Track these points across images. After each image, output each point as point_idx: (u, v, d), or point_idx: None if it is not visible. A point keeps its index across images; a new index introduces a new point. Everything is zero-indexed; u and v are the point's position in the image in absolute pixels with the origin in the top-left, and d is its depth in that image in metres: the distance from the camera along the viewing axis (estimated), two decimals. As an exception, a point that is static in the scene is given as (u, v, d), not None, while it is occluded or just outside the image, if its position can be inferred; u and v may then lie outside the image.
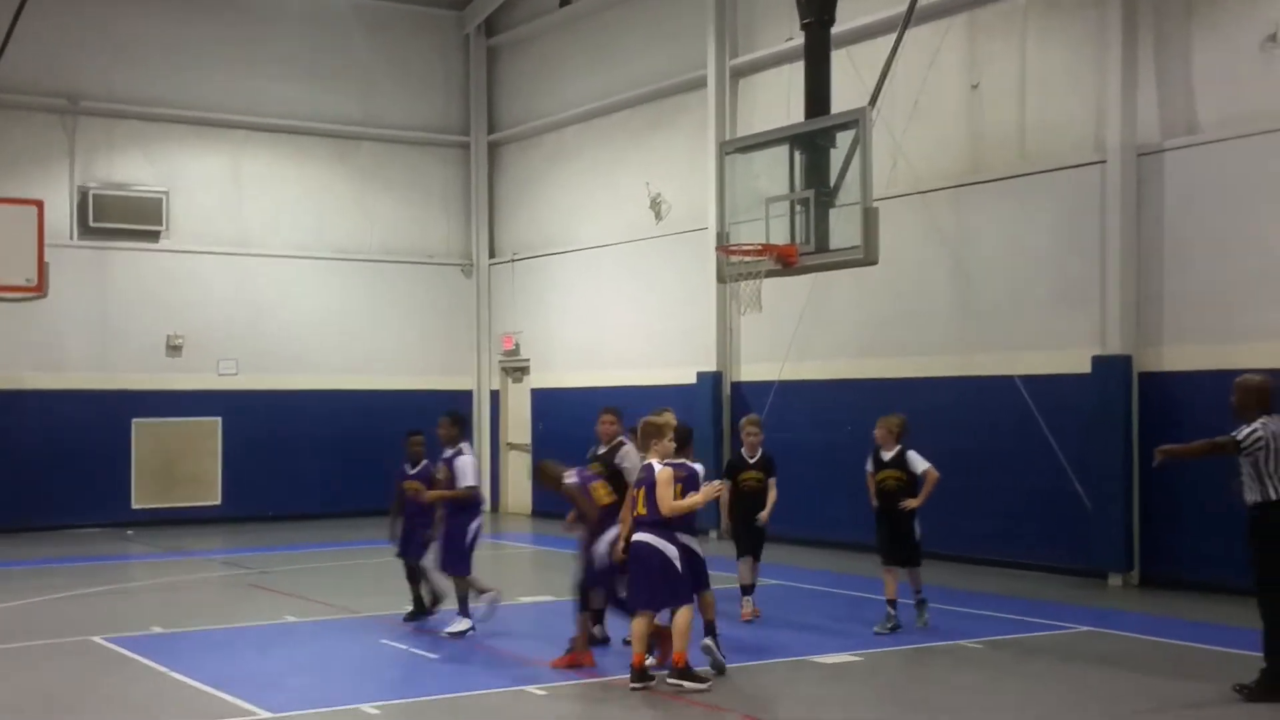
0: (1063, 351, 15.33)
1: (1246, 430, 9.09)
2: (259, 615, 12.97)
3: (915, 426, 16.81)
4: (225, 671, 10.29)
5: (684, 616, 9.37)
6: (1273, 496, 9.06)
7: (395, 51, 24.69)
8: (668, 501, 9.41)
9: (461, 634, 11.52)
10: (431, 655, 11.02)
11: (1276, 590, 9.16)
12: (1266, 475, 9.04)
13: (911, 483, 12.04)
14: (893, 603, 11.89)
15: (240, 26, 23.26)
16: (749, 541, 12.59)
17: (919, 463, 12.04)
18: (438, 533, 11.77)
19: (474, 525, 11.72)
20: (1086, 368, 14.99)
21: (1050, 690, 9.74)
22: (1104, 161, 14.83)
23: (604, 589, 10.30)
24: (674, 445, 9.68)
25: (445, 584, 12.03)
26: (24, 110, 21.59)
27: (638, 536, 9.52)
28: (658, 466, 9.53)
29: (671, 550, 9.42)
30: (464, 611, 11.67)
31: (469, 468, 11.76)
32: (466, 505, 11.73)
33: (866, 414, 17.54)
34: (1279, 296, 13.60)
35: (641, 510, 9.48)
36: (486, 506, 14.37)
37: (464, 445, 11.92)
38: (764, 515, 12.41)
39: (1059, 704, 9.31)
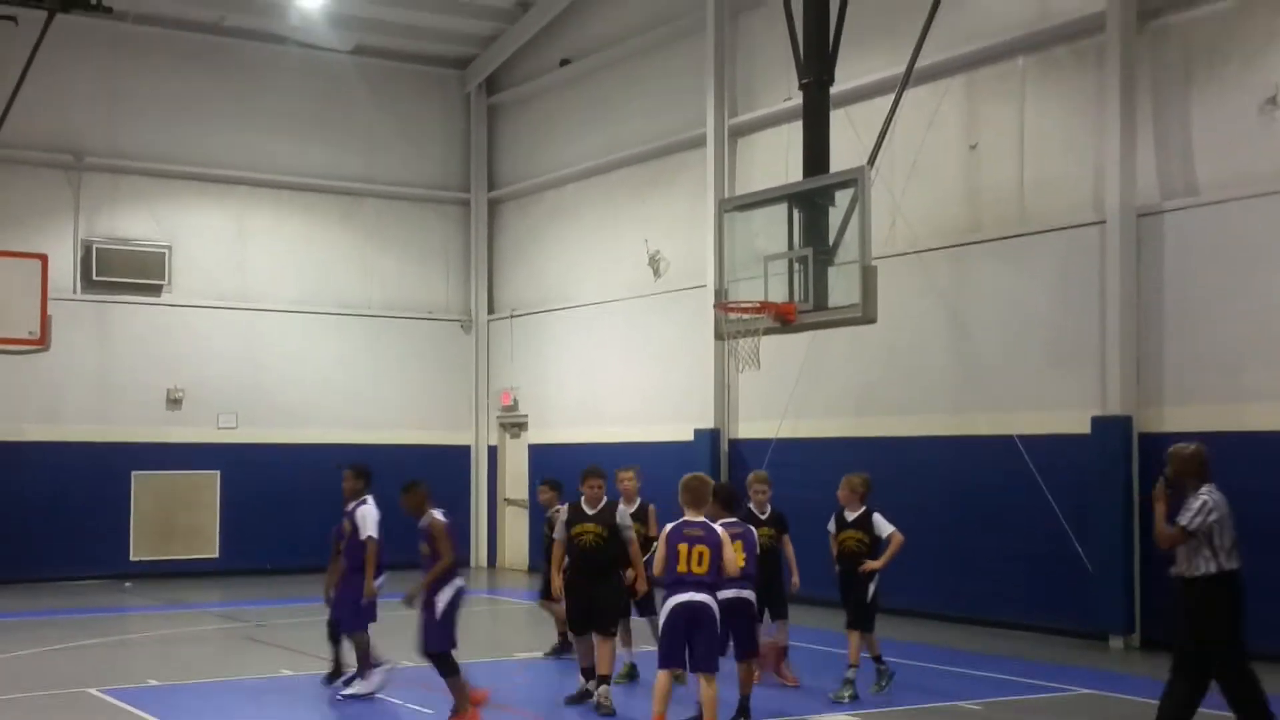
0: (1062, 411, 15.33)
1: (1194, 509, 8.86)
2: (255, 669, 12.91)
3: (914, 485, 16.94)
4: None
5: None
6: (1225, 569, 8.85)
7: (397, 109, 24.88)
8: (734, 563, 9.41)
9: (362, 696, 11.23)
10: (427, 711, 10.94)
11: (1237, 659, 8.96)
12: (1220, 549, 8.83)
13: (874, 545, 11.75)
14: (853, 667, 11.55)
15: (243, 84, 23.46)
16: (774, 603, 12.25)
17: (884, 526, 11.73)
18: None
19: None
20: (1086, 428, 14.99)
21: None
22: (1103, 222, 14.91)
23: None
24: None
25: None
26: (29, 166, 21.73)
27: (697, 597, 9.22)
28: (718, 527, 9.49)
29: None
30: (363, 673, 11.42)
31: (370, 518, 11.54)
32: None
33: (865, 473, 17.63)
34: None
35: (699, 569, 9.25)
36: (478, 562, 14.25)
37: (368, 497, 11.76)
38: (795, 580, 12.41)
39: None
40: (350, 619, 11.47)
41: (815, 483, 17.83)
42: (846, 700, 11.22)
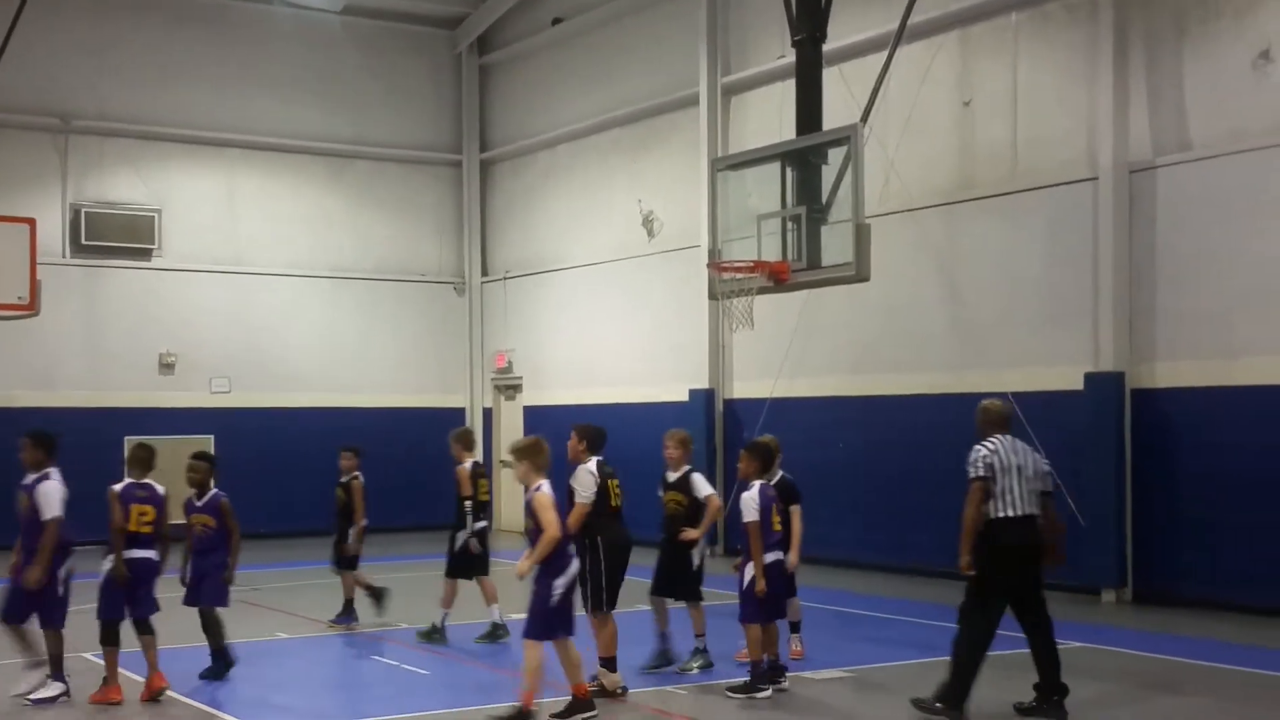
0: (1055, 368, 15.34)
1: (971, 459, 9.14)
2: (250, 632, 12.89)
3: (909, 443, 16.97)
4: (216, 688, 10.25)
5: None
6: (998, 514, 9.10)
7: (388, 70, 24.73)
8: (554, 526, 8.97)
9: (47, 700, 9.81)
10: (423, 671, 10.98)
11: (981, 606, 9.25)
12: (994, 495, 9.07)
13: (692, 508, 10.62)
14: (664, 635, 10.70)
15: (232, 46, 23.30)
16: (679, 583, 10.96)
17: (703, 487, 10.63)
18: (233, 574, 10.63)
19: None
20: (1079, 384, 15.00)
21: (1043, 705, 9.71)
22: (1096, 178, 14.88)
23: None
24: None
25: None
26: (16, 129, 21.60)
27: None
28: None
29: None
30: (57, 674, 9.94)
31: (53, 496, 10.02)
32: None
33: (859, 431, 17.70)
34: (1272, 312, 13.62)
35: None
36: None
37: (50, 470, 10.23)
38: (793, 559, 10.55)
39: (1052, 719, 9.30)
40: (11, 610, 9.99)
41: (811, 442, 17.91)
42: (696, 670, 10.57)
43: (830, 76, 15.44)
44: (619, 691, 9.74)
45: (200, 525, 10.58)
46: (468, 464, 12.63)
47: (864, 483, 17.61)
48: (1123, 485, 14.67)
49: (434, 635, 12.29)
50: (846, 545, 17.64)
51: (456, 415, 24.68)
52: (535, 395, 23.97)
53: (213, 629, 10.53)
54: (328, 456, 22.99)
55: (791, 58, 15.68)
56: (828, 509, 17.61)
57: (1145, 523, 14.60)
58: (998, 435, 9.29)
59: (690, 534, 10.53)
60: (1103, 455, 14.76)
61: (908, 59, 16.21)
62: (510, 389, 24.79)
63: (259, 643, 12.47)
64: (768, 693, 9.72)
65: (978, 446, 9.21)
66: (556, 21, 23.25)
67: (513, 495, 24.24)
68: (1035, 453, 9.47)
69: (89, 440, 21.46)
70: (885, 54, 15.42)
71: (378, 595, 13.30)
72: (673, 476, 10.74)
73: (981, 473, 9.07)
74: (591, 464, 10.05)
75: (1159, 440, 14.49)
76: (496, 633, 12.17)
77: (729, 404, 19.85)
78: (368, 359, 24.15)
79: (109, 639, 9.85)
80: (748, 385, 19.48)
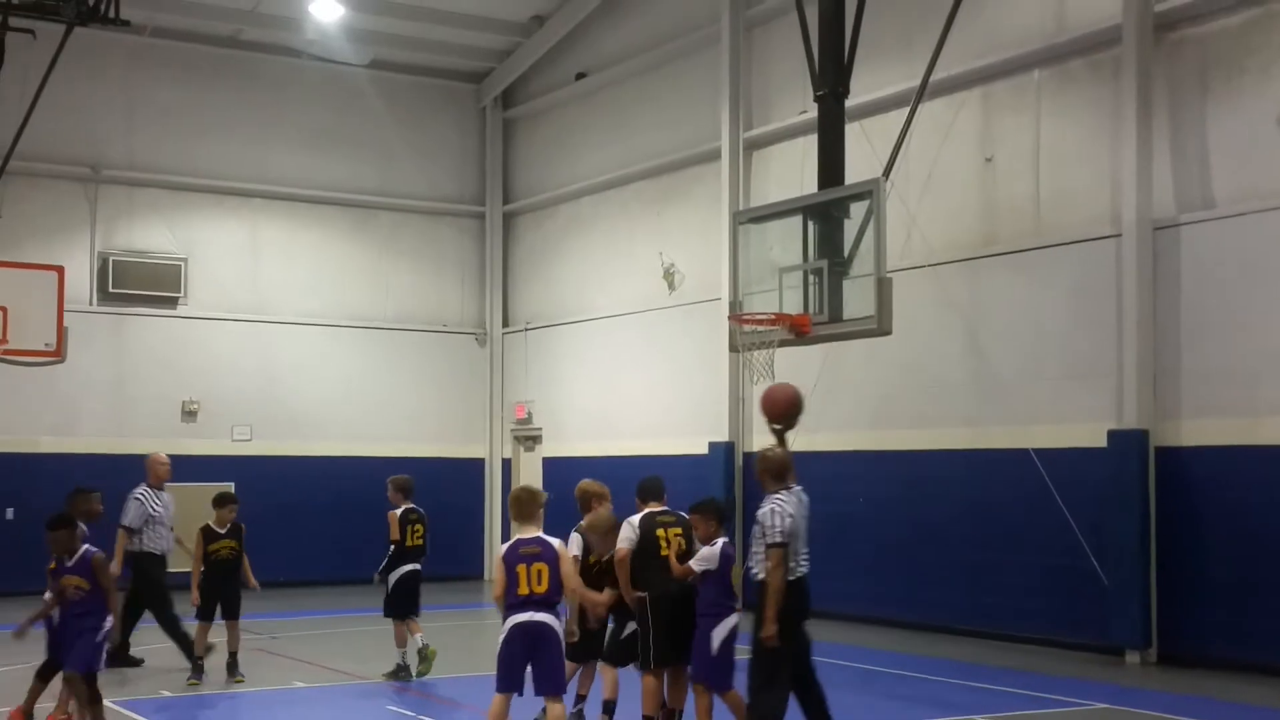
0: (1078, 425, 15.26)
1: (768, 520, 8.68)
2: (267, 680, 12.90)
3: (930, 497, 16.88)
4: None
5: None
6: (795, 576, 8.69)
7: (413, 123, 24.94)
8: (573, 578, 9.01)
9: None
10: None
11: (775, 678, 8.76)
12: (791, 555, 8.65)
13: None
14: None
15: (259, 97, 23.54)
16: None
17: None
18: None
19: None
20: (1102, 442, 14.91)
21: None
22: (1119, 235, 14.84)
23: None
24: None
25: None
26: (47, 178, 21.81)
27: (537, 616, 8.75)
28: (553, 541, 8.92)
29: None
30: None
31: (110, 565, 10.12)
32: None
33: (879, 486, 17.62)
34: (1295, 371, 13.54)
35: (539, 588, 8.72)
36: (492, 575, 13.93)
37: (86, 548, 10.37)
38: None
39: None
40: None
41: (831, 496, 17.82)
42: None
43: (852, 132, 15.46)
44: None
45: (73, 587, 9.89)
46: (399, 510, 13.31)
47: (883, 537, 17.50)
48: (1147, 544, 14.53)
49: (400, 674, 12.81)
50: (864, 600, 17.53)
51: (476, 466, 24.69)
52: (555, 446, 23.95)
53: (81, 697, 9.70)
54: (347, 505, 23.24)
55: (813, 113, 15.72)
56: (846, 563, 17.52)
57: (1170, 583, 14.45)
58: (784, 489, 8.86)
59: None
60: (1126, 514, 14.64)
61: (930, 115, 16.27)
62: (530, 440, 24.78)
63: (277, 691, 12.45)
64: None
65: (774, 505, 8.71)
66: (580, 76, 23.44)
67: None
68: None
69: (112, 486, 21.46)
70: (907, 110, 15.47)
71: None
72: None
73: (780, 539, 8.61)
74: (635, 517, 9.78)
75: (1183, 499, 14.37)
76: (399, 673, 12.80)
77: (749, 457, 19.78)
78: (389, 408, 24.19)
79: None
80: (767, 438, 19.33)
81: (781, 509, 8.71)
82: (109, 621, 9.65)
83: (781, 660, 8.72)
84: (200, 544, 13.00)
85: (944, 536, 16.70)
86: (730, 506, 10.17)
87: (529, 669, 8.65)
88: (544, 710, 8.80)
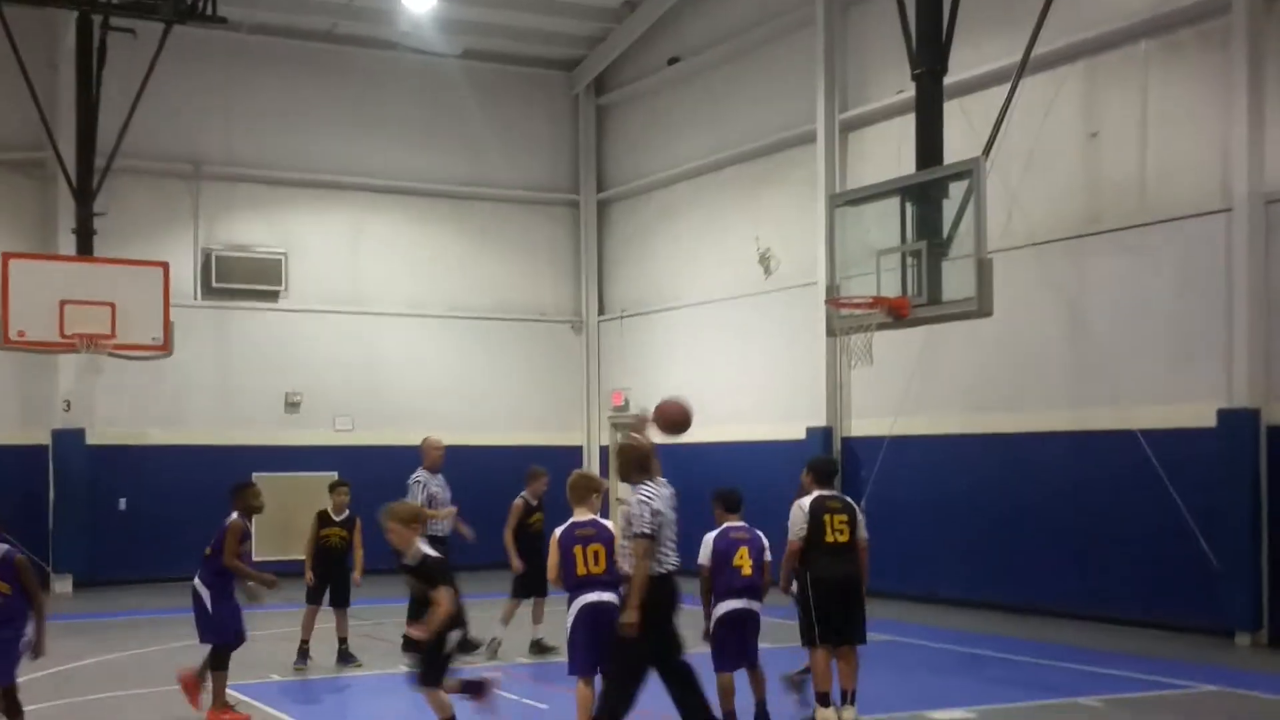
0: (1186, 405, 14.94)
1: (636, 510, 8.57)
2: (374, 665, 13.07)
3: (1031, 481, 16.64)
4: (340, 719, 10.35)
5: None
6: (657, 571, 8.52)
7: (506, 112, 25.06)
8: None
9: None
10: (541, 705, 10.98)
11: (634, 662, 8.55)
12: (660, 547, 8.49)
13: None
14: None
15: (355, 90, 23.80)
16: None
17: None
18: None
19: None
20: (1212, 421, 14.59)
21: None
22: (1230, 209, 14.49)
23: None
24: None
25: None
26: (151, 175, 22.23)
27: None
28: (607, 523, 9.23)
29: None
30: None
31: None
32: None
33: (979, 469, 17.39)
34: None
35: (596, 569, 9.00)
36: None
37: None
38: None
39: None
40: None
41: (931, 480, 17.68)
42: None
43: (951, 110, 15.29)
44: None
45: None
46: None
47: (983, 521, 17.29)
48: (1258, 525, 14.21)
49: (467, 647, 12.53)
50: (966, 584, 17.34)
51: (574, 453, 24.78)
52: (653, 433, 23.90)
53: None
54: (450, 494, 23.37)
55: (910, 92, 15.56)
56: (947, 547, 17.33)
57: (1282, 564, 14.12)
58: (650, 479, 8.76)
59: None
60: (1237, 494, 14.32)
61: (1031, 90, 15.98)
62: (628, 427, 24.77)
63: (382, 676, 12.61)
64: None
65: (642, 496, 8.62)
66: (673, 61, 23.38)
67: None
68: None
69: (219, 477, 21.90)
70: (1008, 86, 15.24)
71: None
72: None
73: (647, 530, 8.51)
74: (806, 499, 9.99)
75: (1297, 478, 14.02)
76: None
77: (847, 442, 19.65)
78: (488, 397, 24.36)
79: None
80: (866, 423, 19.28)
81: (650, 500, 8.64)
82: (29, 630, 8.73)
83: (641, 654, 8.58)
84: (315, 528, 13.22)
85: (1047, 519, 16.45)
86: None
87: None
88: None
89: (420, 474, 14.40)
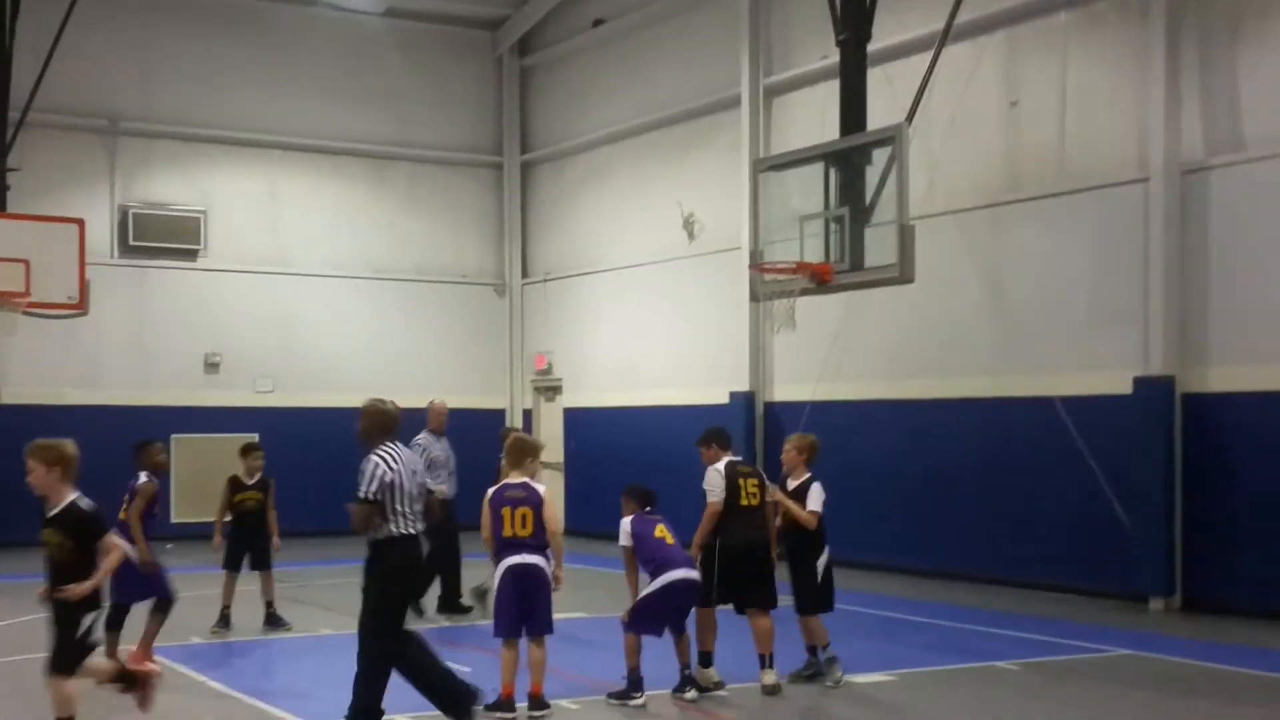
0: (1103, 372, 15.18)
1: (367, 471, 8.35)
2: (295, 628, 12.97)
3: (950, 448, 16.84)
4: (262, 682, 10.29)
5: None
6: (395, 532, 8.38)
7: (429, 72, 24.81)
8: (555, 521, 9.29)
9: None
10: (464, 669, 10.94)
11: (389, 635, 8.43)
12: (393, 511, 8.34)
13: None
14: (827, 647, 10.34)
15: (275, 48, 23.44)
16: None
17: (815, 500, 10.23)
18: None
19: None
20: (1128, 389, 14.83)
21: (1086, 712, 9.62)
22: (1147, 179, 14.69)
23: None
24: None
25: None
26: (65, 130, 21.76)
27: (529, 559, 9.08)
28: (538, 486, 9.26)
29: None
30: None
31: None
32: None
33: (899, 435, 17.57)
34: (1324, 316, 13.43)
35: (523, 531, 9.04)
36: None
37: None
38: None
39: (1098, 726, 9.18)
40: None
41: (852, 446, 17.81)
42: (840, 679, 10.17)
43: (874, 77, 15.36)
44: (712, 686, 9.85)
45: None
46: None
47: (903, 486, 17.48)
48: (1172, 491, 14.49)
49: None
50: (884, 549, 17.53)
51: (497, 416, 24.70)
52: (575, 397, 23.96)
53: None
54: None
55: (835, 58, 15.59)
56: (864, 512, 17.50)
57: (1195, 530, 14.41)
58: (388, 443, 8.53)
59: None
60: (1152, 461, 14.58)
61: (953, 59, 16.06)
62: (550, 390, 24.78)
63: (305, 638, 12.55)
64: (640, 700, 9.46)
65: (376, 459, 8.39)
66: (598, 23, 23.24)
67: (551, 496, 24.23)
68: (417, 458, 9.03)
69: (135, 438, 21.58)
70: (930, 54, 15.31)
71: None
72: (794, 483, 10.35)
73: (375, 494, 8.29)
74: (720, 463, 10.11)
75: (1211, 446, 14.30)
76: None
77: (769, 407, 19.77)
78: (409, 359, 24.20)
79: None
80: (788, 388, 19.40)
81: (383, 464, 8.40)
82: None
83: (394, 619, 8.48)
84: (227, 494, 13.05)
85: (965, 485, 16.67)
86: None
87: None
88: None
89: (423, 436, 14.19)
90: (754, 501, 10.09)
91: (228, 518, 13.04)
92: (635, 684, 9.52)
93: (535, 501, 9.07)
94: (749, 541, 9.99)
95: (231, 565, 12.96)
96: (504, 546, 9.04)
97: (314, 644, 12.41)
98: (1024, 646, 12.11)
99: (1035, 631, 12.91)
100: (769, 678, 9.94)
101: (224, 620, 12.78)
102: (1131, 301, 14.95)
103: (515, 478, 9.22)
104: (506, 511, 9.04)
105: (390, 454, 8.48)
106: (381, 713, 8.47)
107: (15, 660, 11.03)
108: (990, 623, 13.49)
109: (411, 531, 8.46)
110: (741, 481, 10.07)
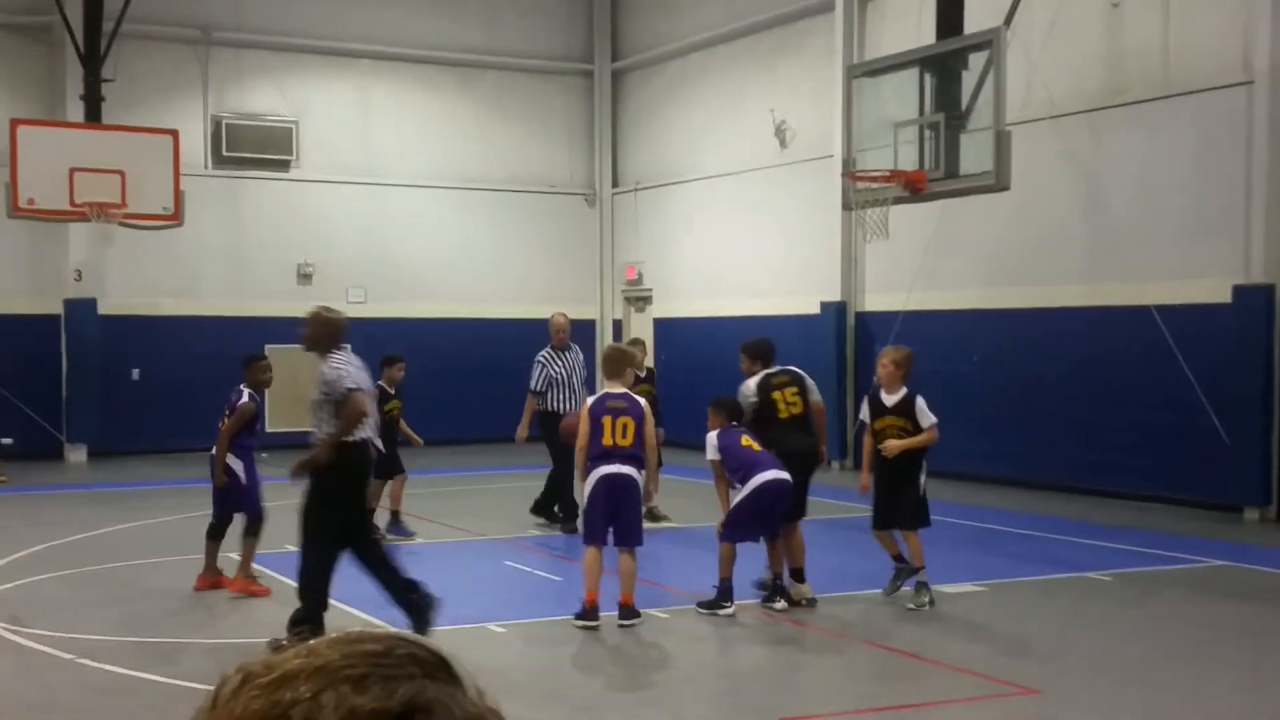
0: (1202, 280, 14.86)
1: (329, 376, 8.46)
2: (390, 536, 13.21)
3: (1045, 356, 16.64)
4: (356, 591, 10.48)
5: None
6: (358, 437, 8.49)
7: (519, -21, 24.62)
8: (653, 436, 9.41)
9: None
10: (555, 578, 11.11)
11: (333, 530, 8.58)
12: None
13: (916, 434, 9.89)
14: (899, 557, 10.04)
15: (366, -44, 23.38)
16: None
17: (926, 415, 9.84)
18: None
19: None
20: (1227, 297, 14.52)
21: (1180, 622, 9.56)
22: (1251, 82, 14.25)
23: None
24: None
25: None
26: (158, 41, 21.93)
27: (623, 469, 9.19)
28: (640, 399, 9.45)
29: None
30: None
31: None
32: None
33: (995, 345, 17.38)
34: None
35: (624, 441, 9.13)
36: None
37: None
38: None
39: (1188, 637, 9.12)
40: None
41: (945, 356, 17.66)
42: (928, 604, 9.78)
43: (972, -21, 14.98)
44: (805, 602, 9.80)
45: None
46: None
47: (997, 397, 17.32)
48: (1270, 402, 14.22)
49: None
50: (978, 459, 17.41)
51: (587, 326, 24.77)
52: (665, 307, 23.93)
53: None
54: (461, 366, 23.52)
55: (931, -40, 15.21)
56: (960, 422, 17.34)
57: (1294, 440, 14.14)
58: (341, 350, 8.62)
59: (896, 445, 9.74)
60: (1249, 371, 14.31)
61: (1053, -40, 15.61)
62: (640, 300, 24.78)
63: (397, 548, 12.75)
64: (730, 610, 9.51)
65: (335, 364, 8.48)
66: (689, -73, 22.87)
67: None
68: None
69: (231, 348, 21.98)
70: (1030, -46, 14.89)
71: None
72: (891, 400, 9.97)
73: (343, 391, 8.37)
74: (754, 380, 10.03)
75: (1311, 355, 13.98)
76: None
77: (861, 317, 19.61)
78: (499, 270, 24.31)
79: None
80: (880, 298, 19.22)
81: (344, 368, 8.50)
82: None
83: (332, 521, 8.59)
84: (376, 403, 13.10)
85: (1060, 395, 16.47)
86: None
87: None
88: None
89: (544, 354, 13.98)
90: (795, 411, 9.94)
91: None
92: (726, 594, 9.57)
93: (638, 413, 9.11)
94: (794, 448, 9.82)
95: (383, 474, 12.98)
96: (600, 455, 9.08)
97: (407, 553, 12.61)
98: (1118, 557, 12.02)
99: (1129, 542, 12.80)
100: (807, 591, 9.88)
101: (398, 523, 12.92)
102: (1232, 209, 14.57)
103: (615, 388, 9.28)
104: (608, 420, 9.07)
105: (346, 361, 8.58)
106: (325, 607, 8.62)
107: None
108: (1084, 534, 13.38)
109: (365, 436, 8.61)
110: (777, 395, 9.93)
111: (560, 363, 13.85)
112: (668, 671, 8.48)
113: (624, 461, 9.07)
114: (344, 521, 8.63)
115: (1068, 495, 15.99)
